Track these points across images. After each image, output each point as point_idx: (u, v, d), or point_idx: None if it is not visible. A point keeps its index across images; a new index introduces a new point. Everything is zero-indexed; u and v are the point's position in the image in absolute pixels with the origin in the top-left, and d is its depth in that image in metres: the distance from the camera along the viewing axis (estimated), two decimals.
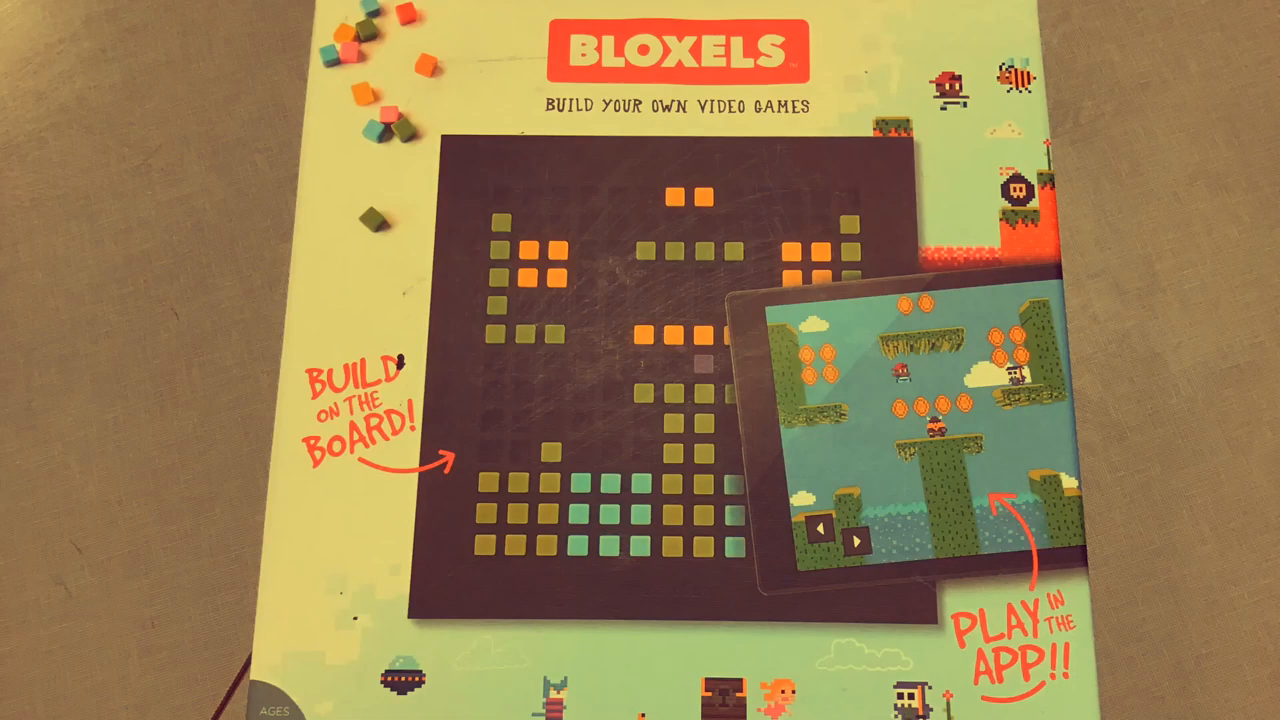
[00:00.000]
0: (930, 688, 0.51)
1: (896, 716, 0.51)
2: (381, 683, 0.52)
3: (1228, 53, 0.64)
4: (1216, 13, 0.65)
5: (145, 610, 0.61)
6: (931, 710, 0.51)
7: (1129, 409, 0.62)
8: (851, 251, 0.57)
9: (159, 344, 0.64)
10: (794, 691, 0.52)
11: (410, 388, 0.56)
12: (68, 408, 0.63)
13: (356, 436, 0.55)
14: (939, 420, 0.54)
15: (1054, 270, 0.55)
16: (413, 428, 0.55)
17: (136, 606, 0.61)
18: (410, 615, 0.53)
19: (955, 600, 0.52)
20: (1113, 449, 0.61)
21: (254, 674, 0.52)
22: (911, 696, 0.51)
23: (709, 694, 0.52)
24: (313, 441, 0.55)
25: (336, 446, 0.55)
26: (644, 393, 0.55)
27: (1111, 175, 0.64)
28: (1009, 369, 0.54)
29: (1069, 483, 0.53)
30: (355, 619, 0.53)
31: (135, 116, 0.67)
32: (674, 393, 0.55)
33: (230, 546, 0.62)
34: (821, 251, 0.57)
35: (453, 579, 0.53)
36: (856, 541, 0.53)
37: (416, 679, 0.52)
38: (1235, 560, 0.60)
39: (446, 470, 0.55)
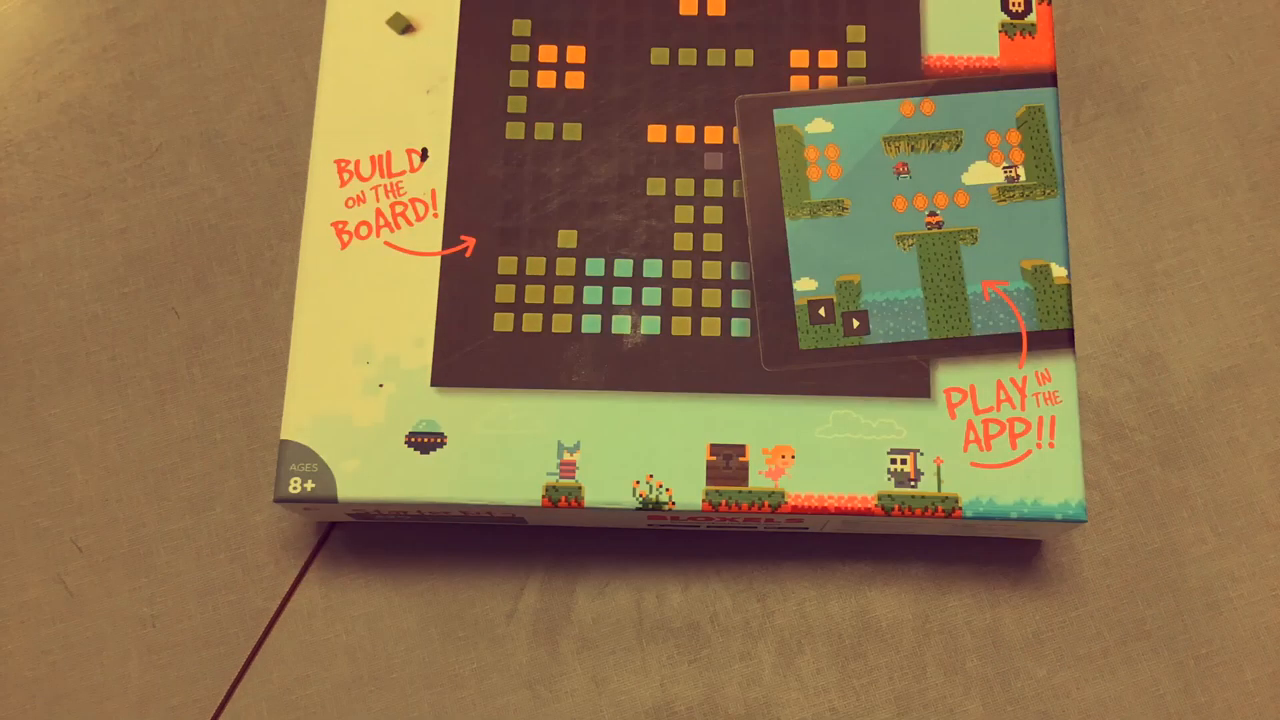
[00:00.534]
0: (922, 454, 0.55)
1: (890, 479, 0.55)
2: (405, 443, 0.56)
3: (1229, 53, 0.64)
4: (1217, 13, 0.65)
5: (146, 609, 0.61)
6: (923, 475, 0.55)
7: (1129, 409, 0.61)
8: (857, 59, 0.59)
9: (159, 343, 0.64)
10: (793, 456, 0.55)
11: (433, 179, 0.59)
12: (68, 407, 0.63)
13: (382, 222, 0.58)
14: (937, 215, 0.57)
15: (1050, 79, 0.58)
16: (436, 215, 0.58)
17: (137, 606, 0.61)
18: (433, 384, 0.56)
19: (947, 377, 0.56)
20: (1113, 448, 0.61)
21: (284, 434, 0.56)
22: (904, 462, 0.55)
23: (713, 458, 0.55)
24: (340, 226, 0.58)
25: (363, 231, 0.58)
26: (656, 186, 0.59)
27: (1111, 175, 0.64)
28: (1005, 168, 0.58)
29: (1058, 272, 0.57)
30: (381, 386, 0.56)
31: (136, 116, 0.67)
32: (684, 186, 0.59)
33: (231, 546, 0.62)
34: (828, 59, 0.59)
35: (473, 352, 0.57)
36: (856, 323, 0.57)
37: (438, 440, 0.56)
38: (1235, 560, 0.60)
39: (468, 254, 0.58)
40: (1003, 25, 0.59)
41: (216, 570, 0.62)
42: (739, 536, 0.61)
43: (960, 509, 0.54)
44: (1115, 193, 0.63)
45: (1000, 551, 0.61)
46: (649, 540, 0.61)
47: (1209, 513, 0.61)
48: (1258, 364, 0.62)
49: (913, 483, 0.55)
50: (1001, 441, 0.55)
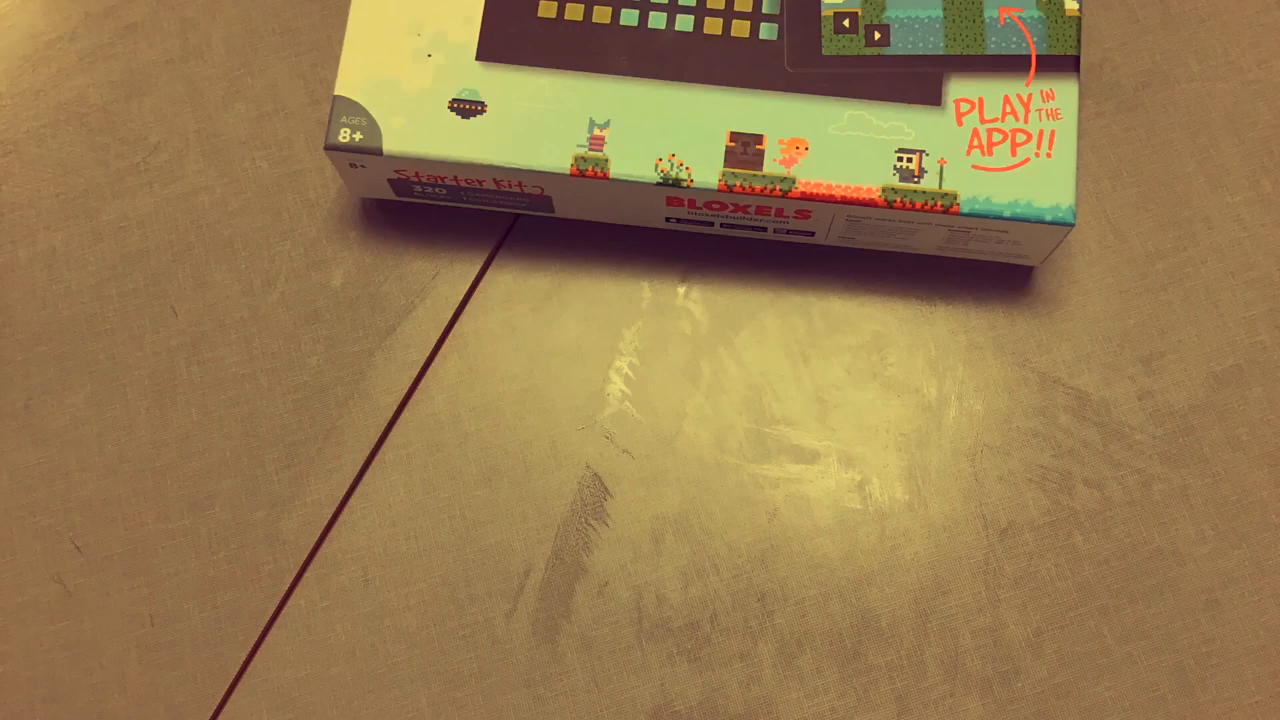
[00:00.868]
0: (927, 154, 0.58)
1: (895, 175, 0.58)
2: (449, 108, 0.59)
3: (1229, 52, 0.64)
4: (1218, 12, 0.65)
5: (144, 609, 0.61)
6: (926, 173, 0.58)
7: (1129, 408, 0.61)
8: None
9: (158, 342, 0.64)
10: (807, 148, 0.58)
11: None
12: (66, 406, 0.63)
13: None
14: None
15: None
16: None
17: (135, 605, 0.61)
18: (478, 57, 0.60)
19: (958, 88, 0.59)
20: (1113, 448, 0.61)
21: (338, 90, 0.59)
22: (910, 160, 0.58)
23: (732, 144, 0.58)
24: None
25: None
26: None
27: (1111, 175, 0.64)
28: None
29: (1070, 4, 0.59)
30: (429, 56, 0.60)
31: (134, 114, 0.67)
32: None
33: (229, 545, 0.62)
34: None
35: (517, 33, 0.60)
36: (877, 35, 0.59)
37: (479, 108, 0.59)
38: (1235, 560, 0.60)
39: None
40: None
41: (215, 570, 0.62)
42: (752, 260, 0.61)
43: (958, 205, 0.57)
44: (1115, 191, 0.63)
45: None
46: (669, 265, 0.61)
47: (1209, 512, 0.60)
48: (1258, 363, 0.62)
49: (916, 179, 0.57)
50: (1003, 149, 0.58)
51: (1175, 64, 0.65)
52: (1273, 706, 0.59)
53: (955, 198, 0.57)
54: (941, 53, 0.59)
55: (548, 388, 0.63)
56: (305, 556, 0.62)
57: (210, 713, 0.60)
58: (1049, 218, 0.57)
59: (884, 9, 0.59)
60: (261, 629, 0.61)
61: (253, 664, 0.61)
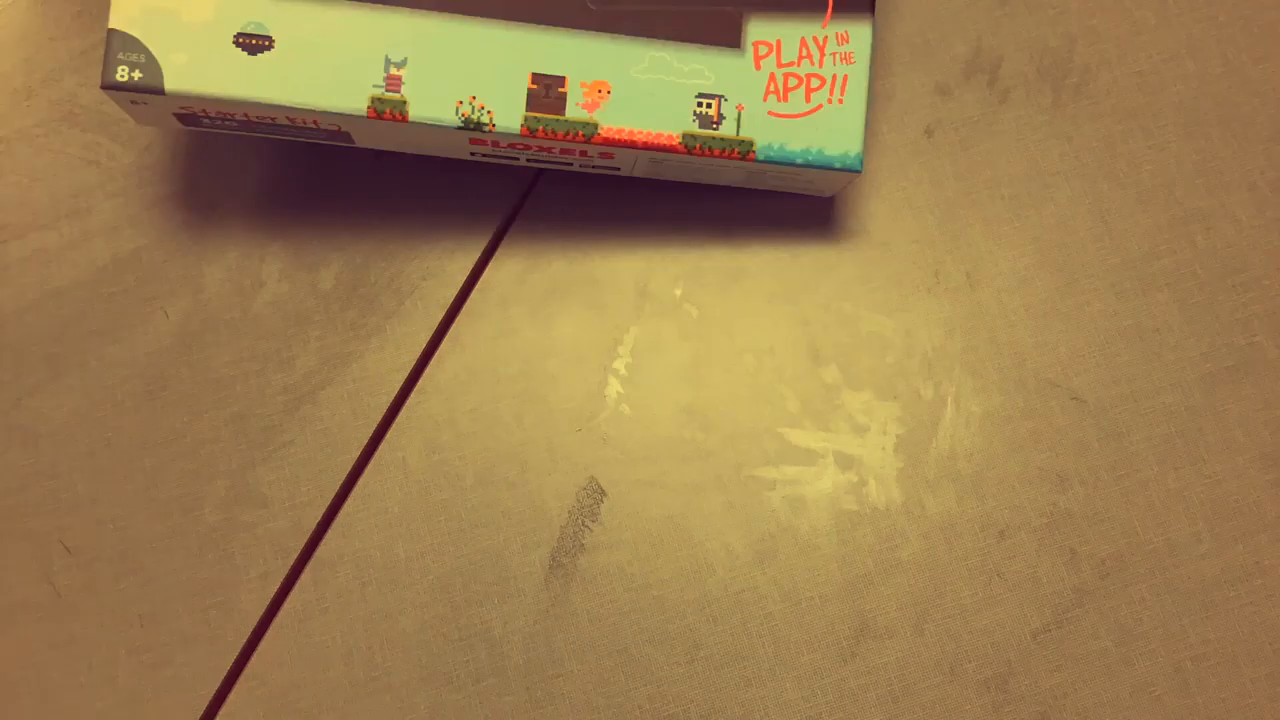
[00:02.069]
0: (726, 100, 0.58)
1: (694, 120, 0.58)
2: (234, 43, 0.55)
3: (1226, 52, 0.65)
4: (1214, 12, 0.65)
5: (134, 609, 0.60)
6: (725, 119, 0.58)
7: (1127, 408, 0.61)
8: None
9: (148, 343, 0.63)
10: (609, 92, 0.57)
11: None
12: (56, 406, 0.62)
13: None
14: None
15: None
16: None
17: (125, 606, 0.61)
18: None
19: (757, 30, 0.58)
20: (1111, 448, 0.61)
21: (112, 24, 0.55)
22: (709, 106, 0.58)
23: (534, 86, 0.57)
24: None
25: None
26: None
27: (1108, 175, 0.64)
28: None
29: None
30: None
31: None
32: None
33: (220, 545, 0.61)
34: None
35: None
36: None
37: (266, 43, 0.56)
38: (1233, 560, 0.60)
39: None
40: None
41: (205, 570, 0.61)
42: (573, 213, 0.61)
43: (754, 152, 0.58)
44: (1112, 192, 0.64)
45: None
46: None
47: (1206, 512, 0.61)
48: (1255, 363, 0.62)
49: (715, 125, 0.58)
50: (798, 94, 0.58)
51: (1172, 65, 0.65)
52: (1270, 706, 0.59)
53: (752, 145, 0.58)
54: None
55: (544, 390, 0.63)
56: (295, 559, 0.61)
57: (199, 714, 0.60)
58: (838, 164, 0.58)
59: None
60: (251, 631, 0.60)
61: (248, 667, 0.60)
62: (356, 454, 0.62)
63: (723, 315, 0.63)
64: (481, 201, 0.65)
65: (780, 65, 0.58)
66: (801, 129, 0.58)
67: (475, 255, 0.64)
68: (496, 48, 0.57)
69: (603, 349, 0.63)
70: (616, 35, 0.58)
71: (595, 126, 0.57)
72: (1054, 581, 0.60)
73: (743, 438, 0.62)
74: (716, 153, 0.57)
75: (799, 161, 0.58)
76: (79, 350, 0.63)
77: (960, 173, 0.64)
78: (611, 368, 0.63)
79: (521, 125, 0.57)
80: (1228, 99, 0.64)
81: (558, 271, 0.64)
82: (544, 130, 0.57)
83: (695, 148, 0.57)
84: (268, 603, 0.61)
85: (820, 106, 0.58)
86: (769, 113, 0.58)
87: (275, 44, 0.56)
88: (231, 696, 0.60)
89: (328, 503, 0.62)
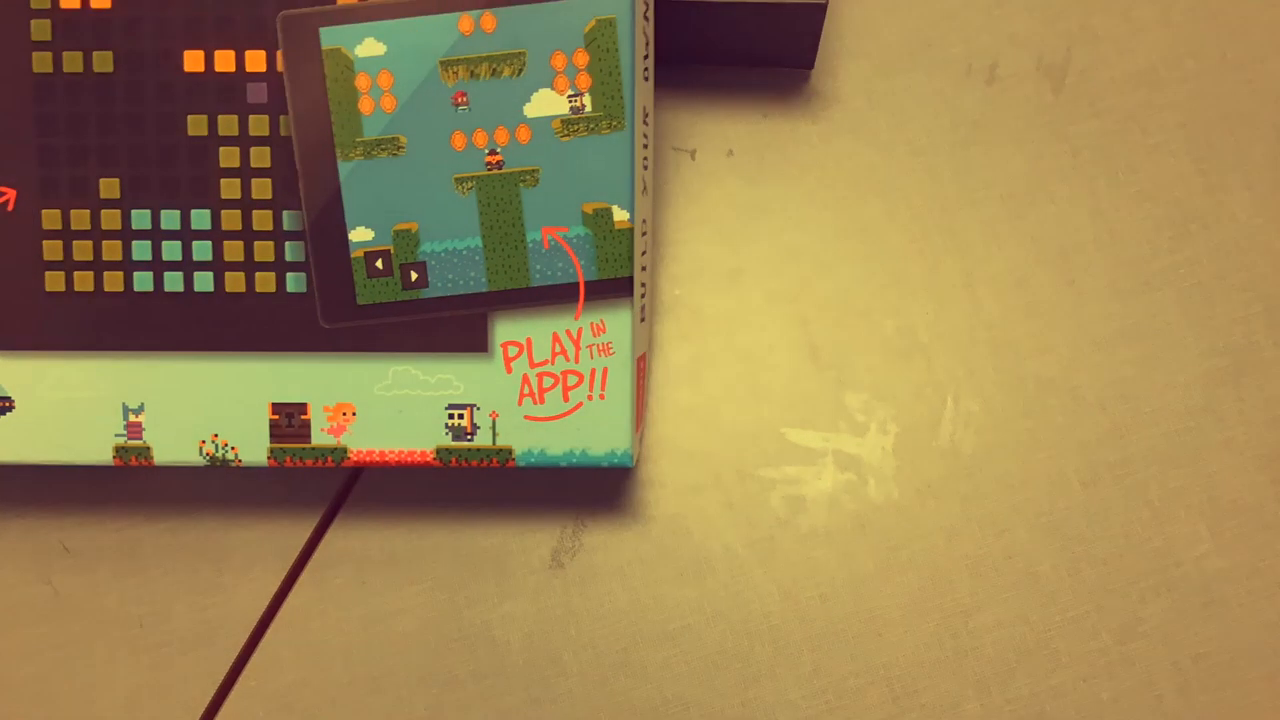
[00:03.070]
0: (478, 409, 0.55)
1: (447, 434, 0.55)
2: None
3: (1225, 51, 0.65)
4: (1214, 10, 0.65)
5: (133, 610, 0.61)
6: (479, 429, 0.55)
7: (1126, 408, 0.62)
8: None
9: None
10: (354, 414, 0.55)
11: None
12: None
13: None
14: (497, 153, 0.53)
15: None
16: None
17: (125, 606, 0.61)
18: None
19: (505, 330, 0.54)
20: (1110, 448, 0.61)
21: None
22: (461, 417, 0.55)
23: (276, 416, 0.55)
24: None
25: None
26: (198, 125, 0.54)
27: (1108, 174, 0.64)
28: (570, 96, 0.53)
29: (620, 215, 0.53)
30: None
31: None
32: (228, 124, 0.54)
33: (220, 546, 0.61)
34: None
35: (29, 313, 0.54)
36: (414, 276, 0.54)
37: (7, 404, 0.55)
38: (1233, 559, 0.60)
39: (10, 208, 0.54)
40: None
41: (205, 570, 0.61)
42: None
43: (514, 460, 0.55)
44: (1111, 191, 0.64)
45: None
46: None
47: (1206, 512, 0.61)
48: (1254, 363, 0.62)
49: (469, 436, 0.55)
50: (554, 395, 0.55)
51: (1171, 63, 0.65)
52: (1270, 706, 0.59)
53: (510, 453, 0.55)
54: (485, 290, 0.54)
55: None
56: (295, 558, 0.61)
57: (198, 714, 0.60)
58: (605, 463, 0.55)
59: (418, 243, 0.54)
60: (251, 630, 0.60)
61: (248, 667, 0.60)
62: None
63: (722, 314, 0.63)
64: None
65: (533, 366, 0.54)
66: (563, 430, 0.55)
67: None
68: (234, 382, 0.55)
69: None
70: (355, 354, 0.55)
71: (344, 451, 0.55)
72: (1054, 581, 0.60)
73: (742, 437, 0.62)
74: (475, 464, 0.55)
75: (563, 464, 0.55)
76: None
77: (959, 172, 0.64)
78: None
79: (268, 457, 0.55)
80: (1228, 98, 0.64)
81: None
82: (291, 459, 0.55)
83: (451, 461, 0.55)
84: (268, 603, 0.61)
85: (580, 405, 0.55)
86: (526, 417, 0.55)
87: (15, 404, 0.55)
88: (231, 697, 0.60)
89: (328, 502, 0.62)
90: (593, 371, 0.54)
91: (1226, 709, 0.59)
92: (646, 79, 0.55)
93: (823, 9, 0.58)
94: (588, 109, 0.53)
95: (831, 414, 0.62)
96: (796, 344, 0.63)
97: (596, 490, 0.61)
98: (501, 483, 0.62)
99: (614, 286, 0.54)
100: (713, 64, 0.64)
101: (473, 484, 0.62)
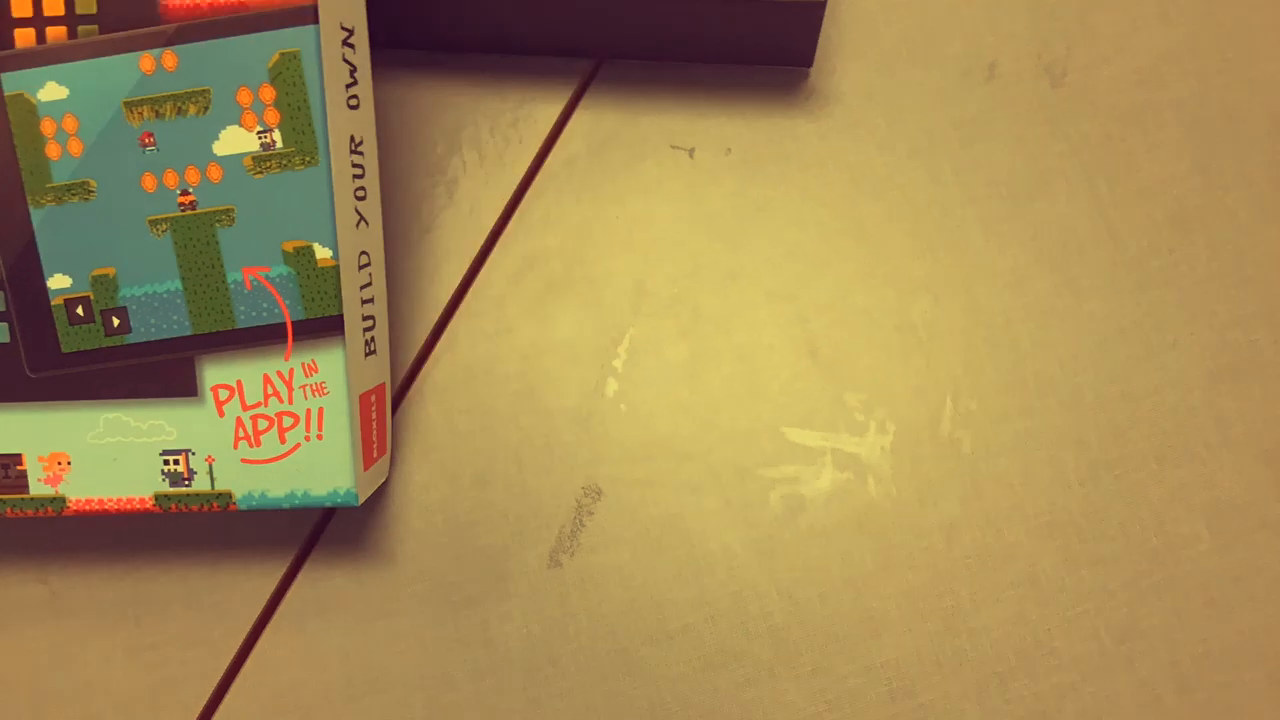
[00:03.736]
0: (194, 454, 0.54)
1: (165, 480, 0.54)
2: None
3: (1224, 50, 0.65)
4: (1213, 9, 0.65)
5: (130, 609, 0.60)
6: (196, 474, 0.54)
7: (1126, 407, 0.61)
8: (86, 3, 0.51)
9: None
10: (69, 463, 0.54)
11: None
12: None
13: None
14: (189, 193, 0.52)
15: (309, 14, 0.50)
16: None
17: (121, 606, 0.60)
18: None
19: (214, 373, 0.53)
20: (1109, 447, 0.61)
21: None
22: (177, 463, 0.54)
23: None
24: None
25: None
26: None
27: (1108, 173, 0.64)
28: (259, 132, 0.51)
29: (322, 253, 0.52)
30: None
31: None
32: None
33: (217, 545, 0.61)
34: (53, 5, 0.51)
35: None
36: (116, 322, 0.53)
37: None
38: (1233, 559, 0.60)
39: None
40: None
41: (201, 571, 0.61)
42: None
43: (235, 504, 0.54)
44: (1111, 190, 0.64)
45: None
46: None
47: (1206, 512, 0.60)
48: (1254, 362, 0.62)
49: (186, 482, 0.54)
50: (270, 437, 0.54)
51: (1171, 63, 0.65)
52: (1271, 706, 0.59)
53: (231, 496, 0.54)
54: (189, 333, 0.53)
55: (541, 388, 0.62)
56: (294, 558, 0.61)
57: (195, 713, 0.60)
58: (329, 503, 0.54)
59: (117, 289, 0.53)
60: (249, 631, 0.60)
61: (245, 667, 0.60)
62: None
63: (721, 313, 0.63)
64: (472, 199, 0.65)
65: (246, 408, 0.53)
66: (282, 472, 0.54)
67: (471, 255, 0.64)
68: None
69: (601, 347, 0.63)
70: (66, 402, 0.53)
71: (63, 501, 0.54)
72: (1054, 581, 0.60)
73: (741, 436, 0.62)
74: (195, 509, 0.54)
75: (286, 505, 0.54)
76: None
77: (959, 170, 0.63)
78: (610, 366, 0.62)
79: None
80: (1228, 97, 0.64)
81: (555, 269, 0.64)
82: (12, 510, 0.55)
83: (171, 507, 0.54)
84: (266, 603, 0.61)
85: (298, 445, 0.53)
86: (243, 460, 0.54)
87: None
88: (229, 696, 0.60)
89: None
90: (308, 412, 0.53)
91: (1226, 709, 0.59)
92: (355, 107, 0.53)
93: (822, 7, 0.58)
94: (279, 145, 0.51)
95: (831, 413, 0.62)
96: (795, 343, 0.62)
97: (596, 488, 0.61)
98: (502, 482, 0.61)
99: (323, 325, 0.52)
100: (712, 62, 0.64)
101: (470, 485, 0.61)
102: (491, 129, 0.65)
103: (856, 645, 0.60)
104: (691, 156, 0.64)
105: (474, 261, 0.64)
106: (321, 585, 0.61)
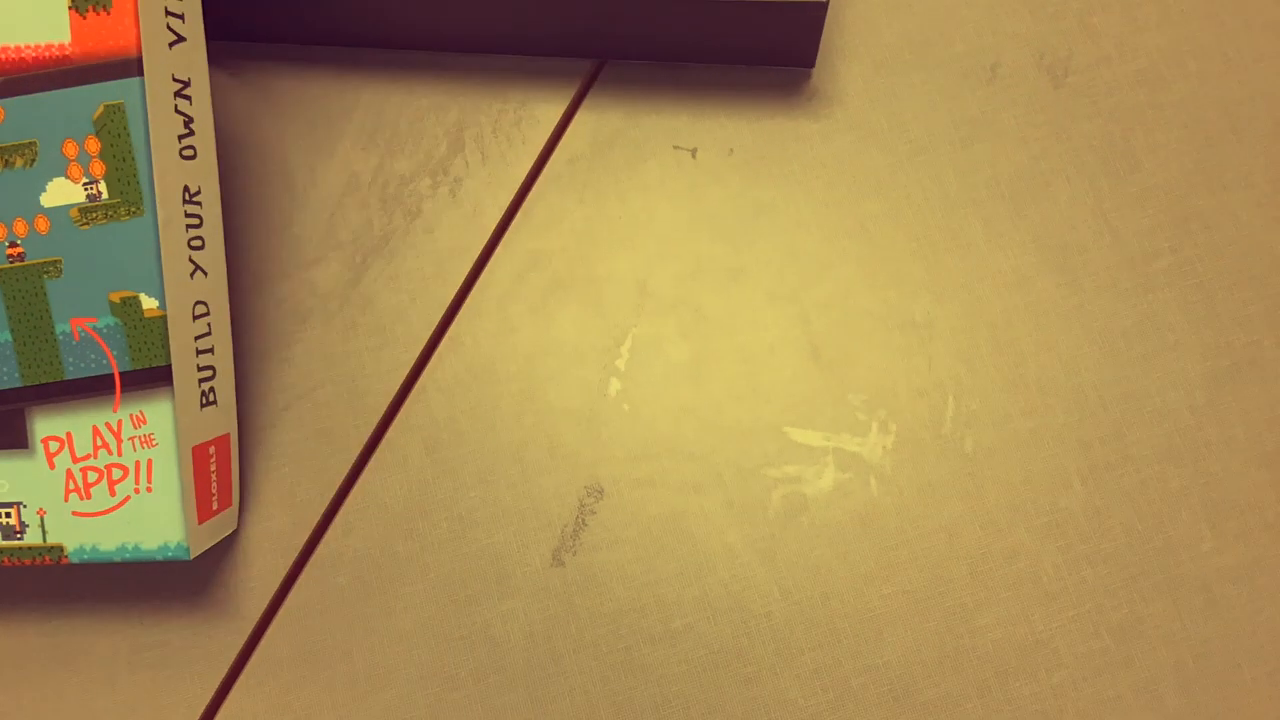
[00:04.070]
0: (25, 506, 0.54)
1: None
2: None
3: (1225, 50, 0.65)
4: (1215, 10, 0.65)
5: (134, 609, 0.60)
6: (28, 527, 0.54)
7: (1127, 407, 0.61)
8: None
9: None
10: None
11: None
12: None
13: None
14: (17, 245, 0.52)
15: (133, 67, 0.50)
16: None
17: (125, 606, 0.60)
18: None
19: (45, 425, 0.53)
20: (1110, 447, 0.61)
21: None
22: (9, 515, 0.54)
23: None
24: None
25: None
26: None
27: (1109, 173, 0.64)
28: (85, 184, 0.51)
29: (149, 304, 0.52)
30: None
31: None
32: None
33: (220, 544, 0.61)
34: None
35: None
36: None
37: None
38: (1233, 559, 0.60)
39: None
40: (73, 1, 0.50)
41: (205, 569, 0.61)
42: None
43: (66, 557, 0.54)
44: (1112, 191, 0.64)
45: None
46: None
47: (1207, 512, 0.61)
48: (1255, 362, 0.62)
49: (19, 535, 0.54)
50: (101, 489, 0.53)
51: (1173, 63, 0.65)
52: (1272, 706, 0.59)
53: (63, 550, 0.54)
54: (19, 385, 0.53)
55: (544, 388, 0.62)
56: (295, 558, 0.61)
57: (199, 712, 0.60)
58: (160, 557, 0.54)
59: None
60: (251, 631, 0.60)
61: (248, 667, 0.60)
62: (356, 453, 0.62)
63: (723, 313, 0.63)
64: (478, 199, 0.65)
65: (76, 460, 0.53)
66: (113, 525, 0.53)
67: (475, 254, 0.64)
68: None
69: (603, 347, 0.63)
70: None
71: None
72: (1054, 580, 0.60)
73: (743, 436, 0.62)
74: (27, 563, 0.54)
75: (117, 559, 0.54)
76: None
77: (960, 171, 0.64)
78: (612, 366, 0.63)
79: None
80: (1229, 97, 0.64)
81: (558, 269, 0.64)
82: None
83: (4, 560, 0.54)
84: (268, 603, 0.61)
85: (128, 498, 0.53)
86: (74, 513, 0.53)
87: None
88: (231, 696, 0.60)
89: (327, 502, 0.62)
90: (137, 464, 0.53)
91: (1226, 709, 0.59)
92: (191, 157, 0.53)
93: (824, 7, 0.58)
94: (105, 196, 0.51)
95: (833, 413, 0.62)
96: (798, 343, 0.62)
97: (598, 487, 0.61)
98: (505, 481, 0.62)
99: (150, 376, 0.52)
100: (714, 63, 0.64)
101: (473, 484, 0.62)
102: (495, 129, 0.65)
103: (858, 644, 0.60)
104: (694, 157, 0.64)
105: (477, 261, 0.64)
106: (324, 585, 0.61)
